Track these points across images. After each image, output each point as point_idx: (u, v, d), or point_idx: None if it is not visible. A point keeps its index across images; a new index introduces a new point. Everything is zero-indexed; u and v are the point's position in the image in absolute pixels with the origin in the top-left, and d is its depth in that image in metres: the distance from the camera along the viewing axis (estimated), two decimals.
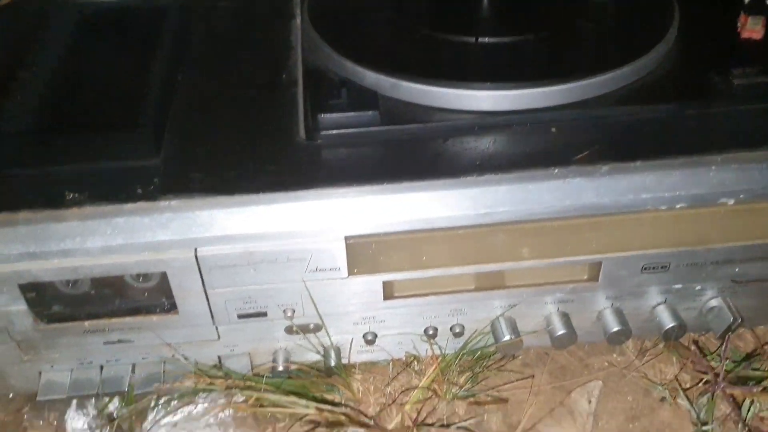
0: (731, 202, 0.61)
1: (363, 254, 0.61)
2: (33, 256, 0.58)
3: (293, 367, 0.68)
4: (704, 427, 0.64)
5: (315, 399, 0.65)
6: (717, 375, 0.65)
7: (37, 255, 0.58)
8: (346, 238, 0.60)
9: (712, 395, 0.64)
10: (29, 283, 0.60)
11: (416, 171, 0.60)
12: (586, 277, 0.66)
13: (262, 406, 0.64)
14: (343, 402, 0.67)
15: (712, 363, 0.70)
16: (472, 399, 0.69)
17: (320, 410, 0.64)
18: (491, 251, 0.62)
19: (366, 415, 0.67)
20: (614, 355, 0.75)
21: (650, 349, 0.75)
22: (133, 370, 0.67)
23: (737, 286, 0.68)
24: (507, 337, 0.66)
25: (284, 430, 0.67)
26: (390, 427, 0.66)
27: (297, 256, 0.60)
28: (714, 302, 0.68)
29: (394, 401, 0.69)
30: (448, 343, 0.70)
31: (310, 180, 0.60)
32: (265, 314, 0.65)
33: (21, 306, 0.61)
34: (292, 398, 0.64)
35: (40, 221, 0.58)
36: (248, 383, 0.65)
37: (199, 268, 0.60)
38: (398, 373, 0.72)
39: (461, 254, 0.62)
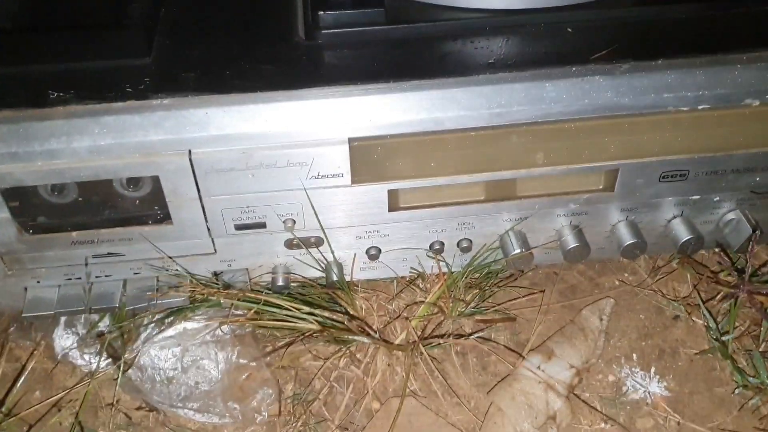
0: (756, 103, 0.57)
1: (368, 159, 0.57)
2: (15, 158, 0.54)
3: (294, 282, 0.65)
4: (724, 337, 0.62)
5: (316, 313, 0.62)
6: (742, 278, 0.62)
7: (20, 156, 0.54)
8: (350, 141, 0.56)
9: (735, 301, 0.62)
10: (12, 188, 0.56)
11: (424, 70, 0.56)
12: (601, 186, 0.63)
13: (261, 320, 0.61)
14: (345, 319, 0.64)
15: (729, 278, 0.67)
16: (479, 316, 0.67)
17: (322, 324, 0.61)
18: (503, 157, 0.59)
19: (371, 329, 0.64)
20: (626, 274, 0.72)
21: (662, 267, 0.72)
22: (124, 286, 0.64)
23: (757, 198, 0.65)
24: (517, 251, 0.63)
25: (285, 346, 0.65)
26: (396, 341, 0.64)
27: (298, 160, 0.57)
28: (732, 215, 0.66)
29: (398, 317, 0.66)
30: (455, 259, 0.67)
31: (310, 79, 0.56)
32: (263, 225, 0.61)
33: (3, 214, 0.57)
34: (294, 311, 0.60)
35: (23, 120, 0.54)
36: (247, 295, 0.62)
37: (194, 172, 0.56)
38: (401, 290, 0.69)
39: (471, 160, 0.59)
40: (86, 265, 0.62)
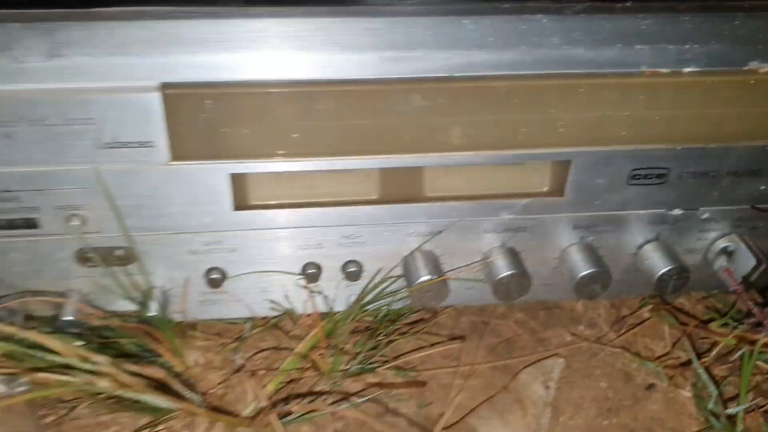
0: (764, 68, 0.40)
1: (194, 121, 0.37)
2: None
3: (92, 319, 0.43)
4: (729, 410, 0.42)
5: (116, 363, 0.40)
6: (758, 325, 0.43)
7: None
8: (164, 88, 0.36)
9: (751, 354, 0.42)
10: None
11: None
12: (546, 187, 0.44)
13: (14, 372, 0.38)
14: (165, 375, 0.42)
15: (724, 328, 0.48)
16: (371, 376, 0.46)
17: (120, 382, 0.39)
18: (403, 131, 0.39)
19: (196, 392, 0.42)
20: (580, 327, 0.52)
21: (628, 317, 0.53)
22: None
23: (761, 219, 0.47)
24: (424, 278, 0.43)
25: (69, 412, 0.42)
26: (244, 412, 0.42)
27: (79, 114, 0.36)
28: (725, 241, 0.47)
29: (240, 371, 0.45)
30: (338, 291, 0.46)
31: None
32: (34, 224, 0.40)
33: None
34: (72, 358, 0.38)
35: None
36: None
37: None
38: (254, 335, 0.48)
39: (355, 133, 0.39)
40: None
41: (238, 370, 0.46)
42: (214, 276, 0.44)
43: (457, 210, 0.43)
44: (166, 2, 0.36)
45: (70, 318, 0.42)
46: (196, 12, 0.36)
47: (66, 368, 0.39)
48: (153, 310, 0.43)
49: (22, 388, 0.43)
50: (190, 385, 0.40)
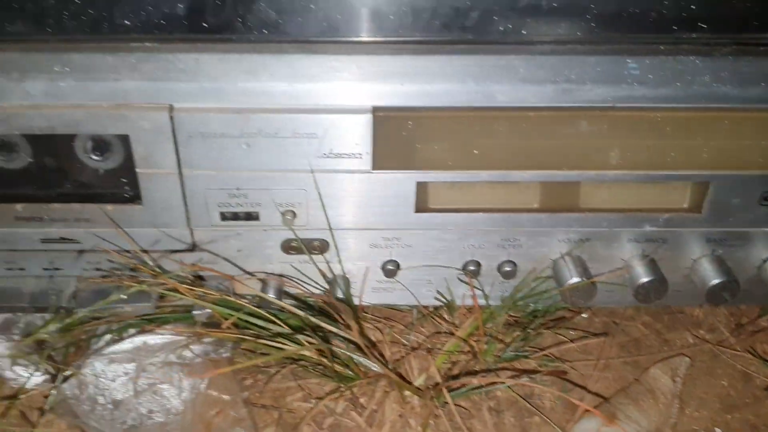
0: None
1: (395, 137, 0.45)
2: None
3: (288, 301, 0.51)
4: None
5: (312, 336, 0.48)
6: None
7: None
8: (375, 110, 0.44)
9: None
10: None
11: (476, 29, 0.44)
12: (686, 204, 0.49)
13: (242, 335, 0.47)
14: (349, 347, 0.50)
15: None
16: (519, 363, 0.52)
17: (319, 350, 0.47)
18: (568, 150, 0.46)
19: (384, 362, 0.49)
20: (701, 331, 0.58)
21: (747, 324, 0.58)
22: (76, 284, 0.51)
23: None
24: (575, 279, 0.50)
25: (268, 379, 0.51)
26: (416, 382, 0.49)
27: (306, 129, 0.45)
28: None
29: (418, 348, 0.52)
30: (493, 288, 0.53)
31: (330, 28, 0.44)
32: (256, 217, 0.49)
33: None
34: (284, 328, 0.47)
35: None
36: (228, 299, 0.48)
37: (174, 134, 0.44)
38: (421, 321, 0.55)
39: (527, 151, 0.46)
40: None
41: (409, 349, 0.53)
42: (390, 267, 0.51)
43: (607, 220, 0.50)
44: (375, 34, 0.44)
45: (273, 296, 0.51)
46: (404, 49, 0.44)
47: (278, 336, 0.47)
48: (338, 292, 0.51)
49: (226, 353, 0.52)
50: (376, 357, 0.48)
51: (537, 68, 0.44)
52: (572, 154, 0.46)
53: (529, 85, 0.44)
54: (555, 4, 0.44)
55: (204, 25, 0.43)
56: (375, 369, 0.48)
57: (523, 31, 0.44)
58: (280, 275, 0.52)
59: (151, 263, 0.49)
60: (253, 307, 0.47)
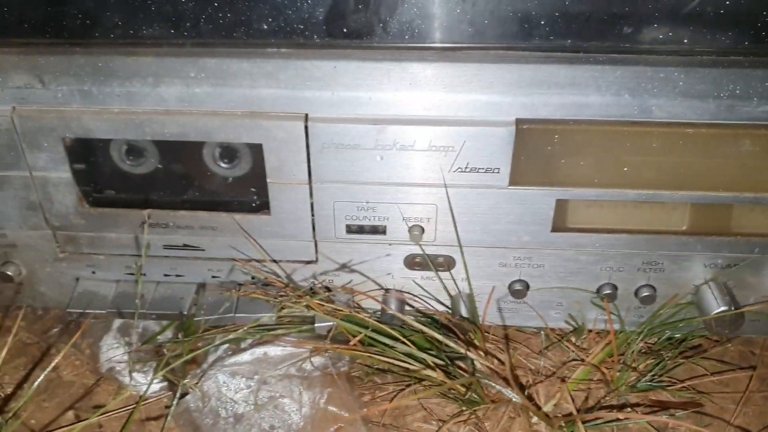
0: None
1: (537, 151, 0.42)
2: (88, 98, 0.42)
3: (409, 316, 0.49)
4: None
5: (439, 357, 0.46)
6: None
7: (94, 96, 0.42)
8: (518, 123, 0.41)
9: None
10: (78, 141, 0.44)
11: (632, 38, 0.41)
12: None
13: (367, 353, 0.45)
14: (474, 370, 0.47)
15: None
16: (652, 393, 0.49)
17: (446, 372, 0.45)
18: (724, 170, 0.42)
19: (516, 389, 0.47)
20: None
21: None
22: (197, 292, 0.50)
23: None
24: (722, 308, 0.46)
25: (390, 397, 0.49)
26: (545, 409, 0.47)
27: (444, 142, 0.42)
28: None
29: (551, 375, 0.49)
30: (628, 313, 0.50)
31: (473, 34, 0.42)
32: (383, 231, 0.47)
33: (64, 173, 0.45)
34: (411, 348, 0.45)
35: (103, 53, 0.42)
36: (355, 315, 0.47)
37: (308, 144, 0.43)
38: (548, 346, 0.52)
39: (679, 170, 0.43)
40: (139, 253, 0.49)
41: (536, 374, 0.51)
42: (518, 287, 0.49)
43: (759, 246, 0.46)
44: (521, 41, 0.42)
45: (395, 310, 0.49)
46: (553, 57, 0.41)
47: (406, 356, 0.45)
48: (462, 310, 0.49)
49: (344, 367, 0.50)
50: (506, 380, 0.45)
51: (698, 81, 0.40)
52: (729, 175, 0.43)
53: (689, 100, 0.41)
54: (720, 11, 0.40)
55: (344, 30, 0.41)
56: (504, 393, 0.46)
57: (684, 41, 0.40)
58: (402, 291, 0.50)
59: (281, 274, 0.48)
60: (378, 324, 0.45)
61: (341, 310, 0.46)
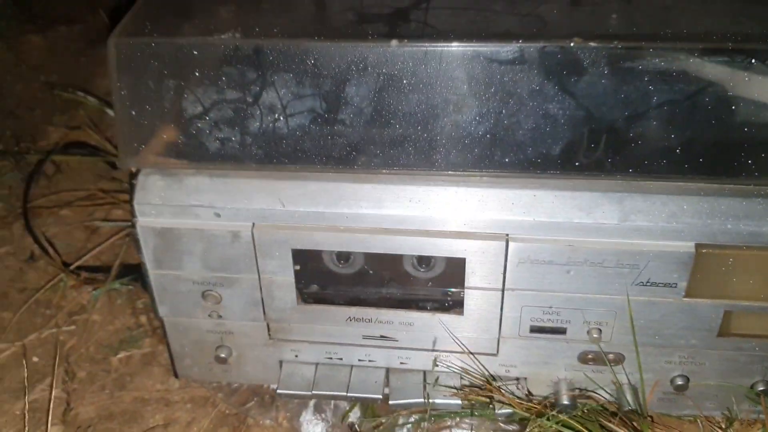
0: None
1: (713, 270, 0.48)
2: (319, 218, 0.50)
3: (579, 403, 0.55)
4: None
5: None
6: None
7: (325, 216, 0.49)
8: (698, 247, 0.47)
9: None
10: (304, 251, 0.51)
11: None
12: None
13: None
14: None
15: None
16: None
17: None
18: None
19: None
20: None
21: None
22: (386, 376, 0.57)
23: None
24: None
25: None
26: None
27: (629, 261, 0.48)
28: None
29: None
30: None
31: (665, 167, 0.48)
32: (563, 331, 0.53)
33: (288, 277, 0.52)
34: None
35: (335, 180, 0.50)
36: (535, 407, 0.53)
37: (506, 260, 0.49)
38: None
39: None
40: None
41: None
42: (679, 382, 0.54)
43: None
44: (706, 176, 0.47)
45: (568, 403, 0.54)
46: (727, 190, 0.47)
47: None
48: (628, 402, 0.54)
49: None
50: None
51: None
52: None
53: None
54: None
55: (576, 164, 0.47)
56: None
57: None
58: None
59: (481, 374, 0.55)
60: (562, 417, 0.51)
61: (533, 406, 0.52)
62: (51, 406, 0.61)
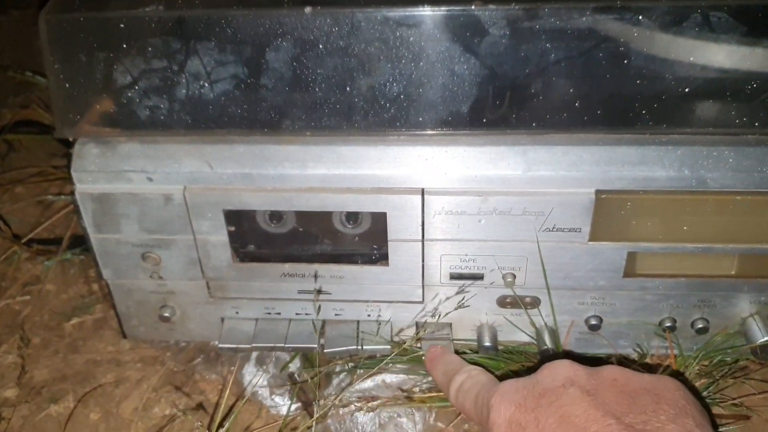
0: None
1: (613, 215, 0.52)
2: (247, 179, 0.53)
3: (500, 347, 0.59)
4: None
5: None
6: None
7: (252, 177, 0.53)
8: (598, 193, 0.51)
9: None
10: (235, 212, 0.54)
11: (690, 121, 0.51)
12: None
13: None
14: None
15: None
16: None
17: None
18: (765, 227, 0.52)
19: None
20: None
21: None
22: (323, 327, 0.60)
23: None
24: (765, 338, 0.55)
25: None
26: None
27: (535, 209, 0.52)
28: None
29: None
30: (685, 341, 0.59)
31: (557, 122, 0.51)
32: (481, 277, 0.56)
33: (222, 236, 0.56)
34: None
35: (260, 142, 0.53)
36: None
37: (423, 213, 0.53)
38: None
39: (729, 228, 0.52)
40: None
41: None
42: (593, 322, 0.58)
43: None
44: (599, 127, 0.51)
45: (489, 344, 0.59)
46: (624, 139, 0.51)
47: None
48: (546, 343, 0.58)
49: None
50: None
51: (744, 158, 0.50)
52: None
53: (737, 173, 0.50)
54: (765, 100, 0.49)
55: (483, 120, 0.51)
56: None
57: (737, 121, 0.50)
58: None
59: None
60: (477, 357, 0.55)
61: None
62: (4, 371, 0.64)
